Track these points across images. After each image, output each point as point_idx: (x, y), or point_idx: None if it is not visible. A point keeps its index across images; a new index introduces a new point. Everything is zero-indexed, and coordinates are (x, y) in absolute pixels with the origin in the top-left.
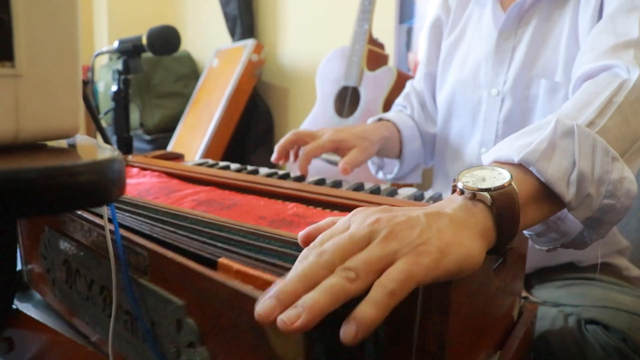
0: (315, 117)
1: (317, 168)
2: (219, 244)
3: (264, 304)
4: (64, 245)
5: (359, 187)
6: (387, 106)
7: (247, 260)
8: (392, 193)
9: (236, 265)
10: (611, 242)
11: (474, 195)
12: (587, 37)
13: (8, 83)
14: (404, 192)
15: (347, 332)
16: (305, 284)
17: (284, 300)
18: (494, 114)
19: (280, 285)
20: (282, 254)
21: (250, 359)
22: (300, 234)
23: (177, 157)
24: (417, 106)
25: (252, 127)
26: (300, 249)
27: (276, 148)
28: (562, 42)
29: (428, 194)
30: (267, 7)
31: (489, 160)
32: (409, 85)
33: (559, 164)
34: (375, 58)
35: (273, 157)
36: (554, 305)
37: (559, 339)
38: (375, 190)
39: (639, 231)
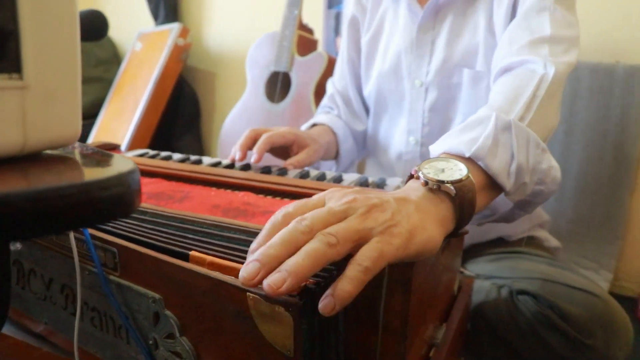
0: (245, 102)
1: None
2: (189, 236)
3: (247, 267)
4: (13, 245)
5: (304, 175)
6: (318, 91)
7: (219, 251)
8: (338, 180)
9: (209, 258)
10: (535, 217)
11: (439, 187)
12: (504, 32)
13: (16, 95)
14: (349, 177)
15: (327, 305)
16: (287, 248)
17: (268, 264)
18: (419, 104)
19: (263, 249)
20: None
21: (237, 346)
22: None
23: (113, 147)
24: (342, 106)
25: (179, 113)
26: None
27: (238, 148)
28: (479, 34)
29: (371, 179)
30: None
31: (437, 151)
32: (330, 85)
33: (502, 158)
34: (305, 43)
35: (237, 157)
36: (486, 278)
37: (494, 310)
38: (321, 177)
39: (556, 208)
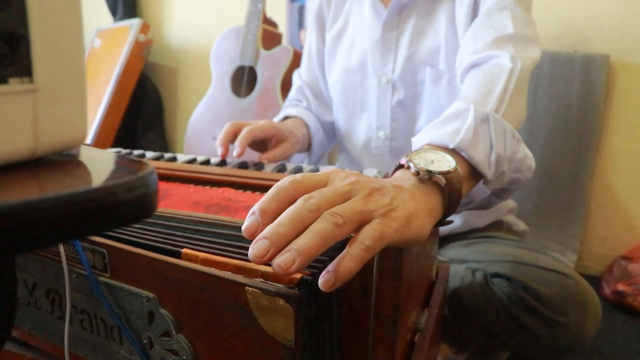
0: (211, 97)
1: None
2: (178, 233)
3: (257, 245)
4: None
5: (282, 169)
6: (284, 85)
7: (211, 247)
8: (315, 172)
9: (202, 255)
10: (503, 205)
11: (430, 178)
12: (467, 31)
13: (27, 98)
14: (325, 169)
15: (328, 280)
16: (296, 226)
17: (277, 242)
18: (387, 100)
19: (272, 226)
20: (243, 238)
21: (236, 339)
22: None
23: None
24: (312, 98)
25: (142, 110)
26: None
27: (219, 144)
28: (441, 34)
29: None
30: None
31: (420, 143)
32: (297, 78)
33: (483, 149)
34: (270, 37)
35: (220, 152)
36: (460, 262)
37: (470, 293)
38: (298, 171)
39: (522, 192)
